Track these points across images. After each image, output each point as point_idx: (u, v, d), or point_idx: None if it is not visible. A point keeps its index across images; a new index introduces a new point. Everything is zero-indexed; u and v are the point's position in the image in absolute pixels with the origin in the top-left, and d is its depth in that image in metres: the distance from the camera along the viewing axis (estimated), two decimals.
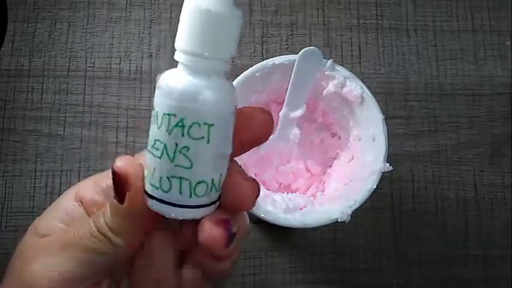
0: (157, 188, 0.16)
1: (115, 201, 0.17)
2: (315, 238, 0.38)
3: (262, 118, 0.18)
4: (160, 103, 0.16)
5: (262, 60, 0.32)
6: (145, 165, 0.17)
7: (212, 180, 0.17)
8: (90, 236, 0.18)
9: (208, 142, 0.16)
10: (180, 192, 0.16)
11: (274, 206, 0.30)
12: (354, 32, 0.42)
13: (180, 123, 0.16)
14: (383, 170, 0.29)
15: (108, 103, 0.39)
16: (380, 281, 0.37)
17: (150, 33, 0.41)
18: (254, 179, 0.18)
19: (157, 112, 0.16)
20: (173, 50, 0.17)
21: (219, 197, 0.18)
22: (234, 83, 0.31)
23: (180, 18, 0.16)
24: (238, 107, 0.17)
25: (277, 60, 0.31)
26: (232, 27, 0.17)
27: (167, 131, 0.16)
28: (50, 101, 0.39)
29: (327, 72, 0.32)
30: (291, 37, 0.42)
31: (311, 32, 0.42)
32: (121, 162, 0.17)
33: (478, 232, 0.38)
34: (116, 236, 0.18)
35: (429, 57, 0.42)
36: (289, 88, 0.32)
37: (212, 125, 0.16)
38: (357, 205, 0.29)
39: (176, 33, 0.17)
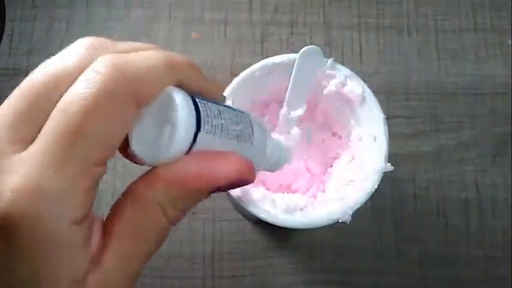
0: None
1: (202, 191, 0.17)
2: (315, 239, 0.37)
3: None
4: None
5: (262, 59, 0.31)
6: None
7: None
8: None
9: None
10: None
11: (274, 206, 0.29)
12: (355, 30, 0.42)
13: None
14: (384, 170, 0.29)
15: None
16: (380, 282, 0.37)
17: (149, 32, 0.41)
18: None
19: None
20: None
21: None
22: (234, 82, 0.31)
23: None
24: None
25: (278, 59, 0.31)
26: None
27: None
28: None
29: (327, 71, 0.31)
30: (291, 36, 0.41)
31: (311, 31, 0.42)
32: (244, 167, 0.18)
33: (480, 233, 0.38)
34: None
35: (430, 56, 0.42)
36: (289, 87, 0.32)
37: None
38: (358, 205, 0.29)
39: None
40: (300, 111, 0.33)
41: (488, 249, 0.38)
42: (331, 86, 0.32)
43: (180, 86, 0.17)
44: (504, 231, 0.38)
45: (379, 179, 0.29)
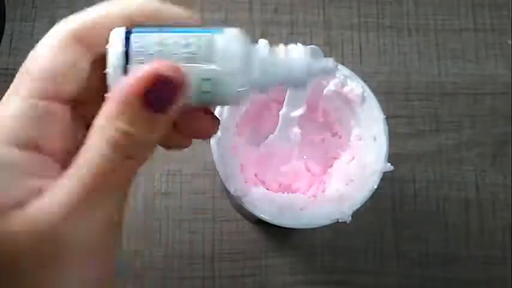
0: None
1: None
2: (315, 238, 0.37)
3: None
4: None
5: None
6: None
7: None
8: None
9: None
10: None
11: (274, 206, 0.29)
12: (355, 30, 0.42)
13: None
14: (384, 170, 0.29)
15: None
16: (380, 282, 0.37)
17: None
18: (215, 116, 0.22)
19: None
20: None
21: None
22: None
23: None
24: None
25: None
26: None
27: None
28: None
29: None
30: (291, 36, 0.41)
31: (311, 31, 0.42)
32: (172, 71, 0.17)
33: (480, 233, 0.38)
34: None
35: (430, 56, 0.42)
36: (289, 87, 0.32)
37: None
38: (358, 205, 0.29)
39: None
40: (299, 111, 0.33)
41: (488, 249, 0.38)
42: (331, 86, 0.32)
43: (137, 24, 0.19)
44: (504, 231, 0.38)
45: (379, 179, 0.29)
